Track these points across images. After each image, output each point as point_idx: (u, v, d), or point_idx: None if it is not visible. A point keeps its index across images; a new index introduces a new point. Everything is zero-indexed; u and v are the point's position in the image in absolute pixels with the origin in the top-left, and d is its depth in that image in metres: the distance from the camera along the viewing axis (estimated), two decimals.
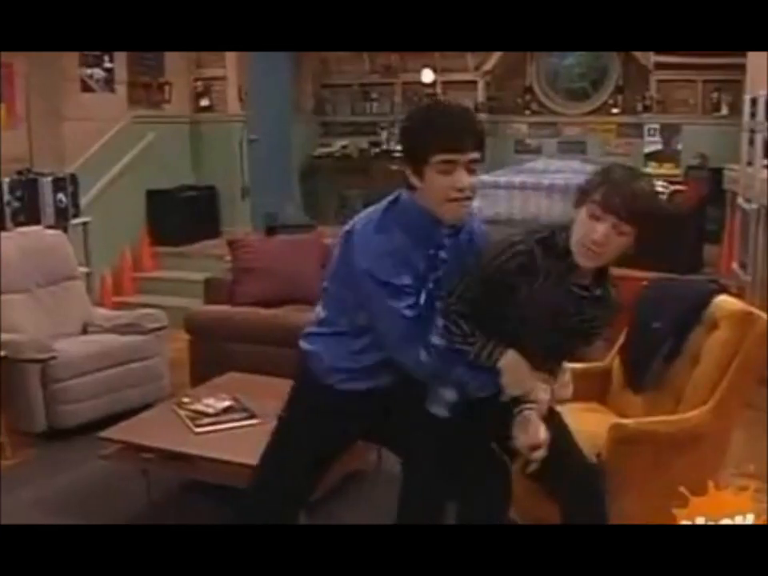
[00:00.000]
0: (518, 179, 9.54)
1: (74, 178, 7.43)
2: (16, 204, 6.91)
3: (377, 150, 11.55)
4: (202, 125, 9.83)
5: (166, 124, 9.21)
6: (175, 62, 9.43)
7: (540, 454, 2.67)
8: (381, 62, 11.47)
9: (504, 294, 2.63)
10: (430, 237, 2.67)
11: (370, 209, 2.72)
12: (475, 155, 2.59)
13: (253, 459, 3.55)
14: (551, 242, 2.62)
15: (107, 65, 8.47)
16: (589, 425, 3.68)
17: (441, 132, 2.57)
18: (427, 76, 10.80)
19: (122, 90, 8.67)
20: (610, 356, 4.15)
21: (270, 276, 5.67)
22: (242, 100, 9.85)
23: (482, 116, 11.05)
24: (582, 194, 2.59)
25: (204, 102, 9.82)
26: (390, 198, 2.72)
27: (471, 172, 2.58)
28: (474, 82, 11.07)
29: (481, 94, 11.10)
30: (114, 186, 8.47)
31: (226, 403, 4.17)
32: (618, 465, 3.36)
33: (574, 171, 9.99)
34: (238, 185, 9.77)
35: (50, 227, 6.47)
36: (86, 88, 8.28)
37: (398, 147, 10.29)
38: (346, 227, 2.69)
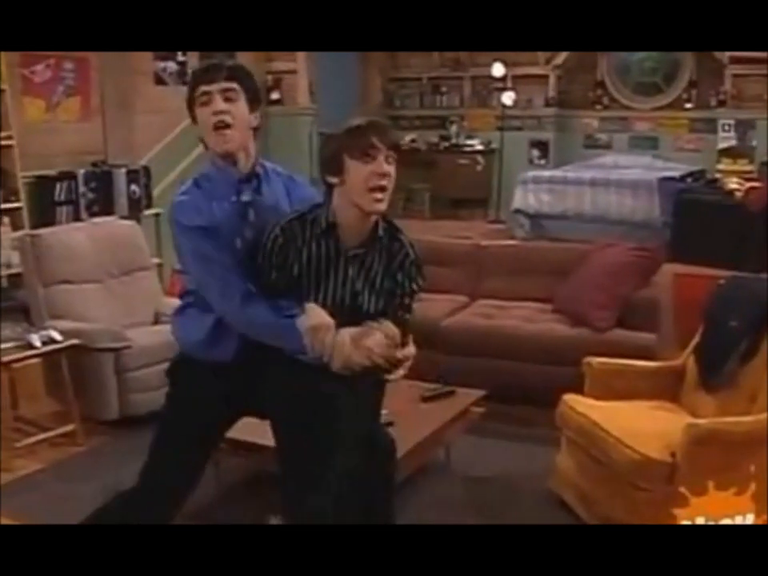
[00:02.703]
0: (587, 175, 9.47)
1: (146, 170, 7.53)
2: (90, 195, 7.02)
3: (446, 143, 11.53)
4: (271, 118, 9.88)
5: None
6: (246, 56, 9.47)
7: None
8: (450, 55, 11.44)
9: (287, 274, 2.73)
10: (225, 184, 2.83)
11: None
12: (228, 84, 2.77)
13: None
14: (308, 216, 2.72)
15: (180, 58, 8.57)
16: (661, 423, 3.65)
17: (198, 70, 2.86)
18: (497, 70, 10.75)
19: None
20: (684, 354, 4.09)
21: None
22: (312, 93, 9.89)
23: (552, 110, 11.01)
24: (338, 157, 2.65)
25: (274, 96, 9.88)
26: None
27: (228, 101, 2.77)
28: (545, 76, 11.01)
29: (552, 88, 11.03)
30: (186, 178, 8.52)
31: None
32: (693, 465, 3.32)
33: (644, 167, 9.90)
34: (306, 178, 9.79)
35: (123, 218, 6.55)
36: (158, 81, 8.39)
37: (466, 141, 10.28)
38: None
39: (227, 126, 2.75)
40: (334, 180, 2.67)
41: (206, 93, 2.77)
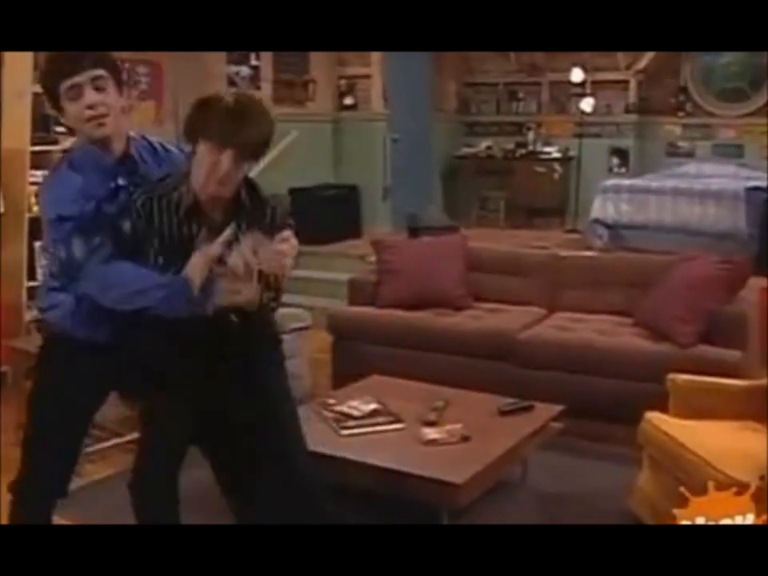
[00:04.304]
0: (669, 184, 9.23)
1: None
2: None
3: (523, 150, 11.36)
4: (344, 123, 9.85)
5: (309, 122, 9.25)
6: (320, 60, 9.47)
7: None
8: (527, 60, 11.27)
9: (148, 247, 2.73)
10: (99, 170, 2.76)
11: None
12: (96, 72, 2.68)
13: (399, 464, 3.50)
14: (170, 193, 2.71)
15: (253, 62, 8.58)
16: (749, 444, 3.49)
17: (58, 59, 2.71)
18: (576, 75, 10.54)
19: (266, 87, 8.78)
20: None
21: (415, 278, 5.57)
22: (386, 99, 9.83)
23: (633, 117, 10.80)
24: (192, 134, 2.65)
25: (348, 101, 9.85)
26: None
27: (99, 90, 2.69)
28: (626, 82, 10.79)
29: (632, 94, 10.81)
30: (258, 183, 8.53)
31: (372, 406, 4.08)
32: None
33: (729, 176, 9.61)
34: (379, 184, 9.73)
35: None
36: (231, 85, 8.40)
37: (544, 148, 10.09)
38: None
39: (103, 116, 2.70)
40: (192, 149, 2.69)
41: (74, 86, 2.68)
